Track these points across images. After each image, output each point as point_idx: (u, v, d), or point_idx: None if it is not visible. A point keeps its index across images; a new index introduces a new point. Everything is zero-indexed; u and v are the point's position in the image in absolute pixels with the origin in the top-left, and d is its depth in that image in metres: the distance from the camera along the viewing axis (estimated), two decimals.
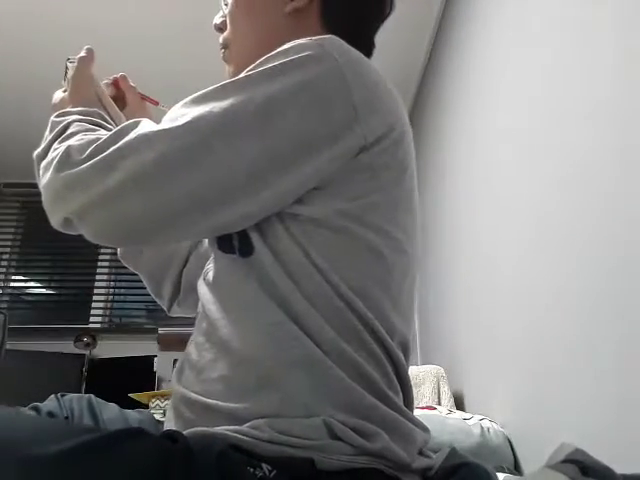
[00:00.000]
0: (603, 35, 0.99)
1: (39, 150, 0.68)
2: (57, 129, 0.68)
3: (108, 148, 0.58)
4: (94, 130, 0.67)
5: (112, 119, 0.77)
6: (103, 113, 0.75)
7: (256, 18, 0.76)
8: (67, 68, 0.82)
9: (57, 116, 0.71)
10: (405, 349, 0.64)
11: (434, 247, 2.30)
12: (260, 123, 0.56)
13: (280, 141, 0.56)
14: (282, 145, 0.56)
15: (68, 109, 0.74)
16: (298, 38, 0.61)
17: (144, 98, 0.91)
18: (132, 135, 0.58)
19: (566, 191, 1.11)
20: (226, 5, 0.79)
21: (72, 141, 0.63)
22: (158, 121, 0.61)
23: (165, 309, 0.93)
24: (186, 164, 0.55)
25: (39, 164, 0.66)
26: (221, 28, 0.80)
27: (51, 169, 0.62)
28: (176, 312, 0.93)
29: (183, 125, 0.56)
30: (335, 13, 0.74)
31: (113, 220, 0.59)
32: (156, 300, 0.93)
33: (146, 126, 0.59)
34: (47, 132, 0.70)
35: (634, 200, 0.87)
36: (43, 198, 0.64)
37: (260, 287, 0.58)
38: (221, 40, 0.80)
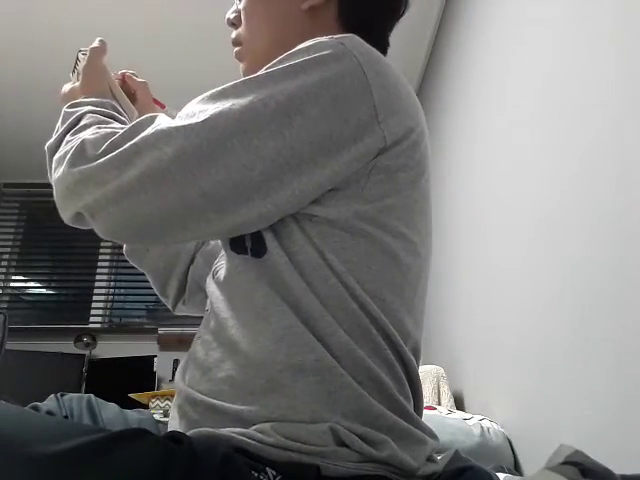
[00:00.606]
0: (603, 35, 0.99)
1: (51, 141, 0.65)
2: (70, 120, 0.66)
3: (124, 143, 0.56)
4: (108, 122, 0.66)
5: (124, 111, 0.75)
6: (116, 104, 0.73)
7: (272, 14, 0.73)
8: (78, 59, 0.80)
9: (69, 107, 0.69)
10: (416, 353, 0.63)
11: (434, 247, 2.30)
12: (280, 122, 0.54)
13: (299, 141, 0.54)
14: (301, 145, 0.54)
15: (81, 99, 0.72)
16: (314, 36, 0.60)
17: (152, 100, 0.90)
18: (149, 131, 0.56)
19: (566, 190, 1.11)
20: (240, 0, 0.76)
21: (86, 134, 0.61)
22: None
23: (170, 308, 0.92)
24: (204, 162, 0.53)
25: (51, 156, 0.64)
26: (234, 23, 0.78)
27: (64, 163, 0.60)
28: (181, 311, 0.91)
29: (202, 122, 0.54)
30: (352, 12, 0.72)
31: (126, 217, 0.57)
32: (161, 299, 0.91)
33: (163, 122, 0.57)
34: (59, 123, 0.68)
35: (634, 200, 0.87)
36: (55, 192, 0.62)
37: (272, 288, 0.57)
38: (233, 36, 0.77)
